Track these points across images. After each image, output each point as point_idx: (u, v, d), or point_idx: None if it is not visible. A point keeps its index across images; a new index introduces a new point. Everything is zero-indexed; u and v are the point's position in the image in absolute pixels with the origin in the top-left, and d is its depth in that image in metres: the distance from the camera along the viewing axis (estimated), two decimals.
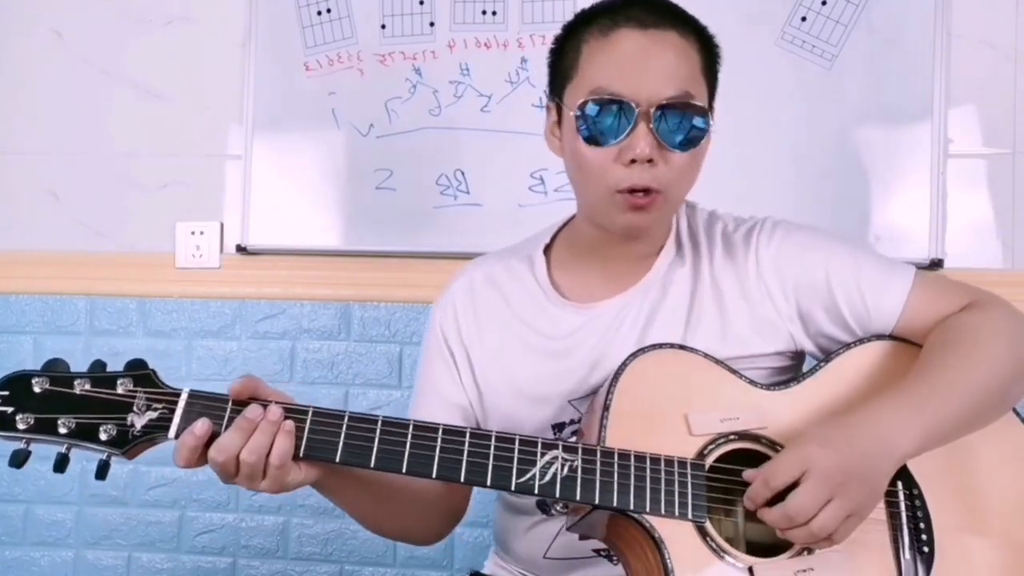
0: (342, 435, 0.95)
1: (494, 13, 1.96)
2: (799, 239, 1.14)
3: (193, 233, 2.04)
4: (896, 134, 1.86)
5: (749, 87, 1.87)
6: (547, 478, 0.95)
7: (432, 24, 1.97)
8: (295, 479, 0.96)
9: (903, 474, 1.00)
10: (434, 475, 0.95)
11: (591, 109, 1.05)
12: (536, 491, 0.96)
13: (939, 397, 0.98)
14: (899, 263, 1.13)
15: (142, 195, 2.07)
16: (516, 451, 0.96)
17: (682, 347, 1.06)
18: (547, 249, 1.23)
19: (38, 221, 2.10)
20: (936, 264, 1.83)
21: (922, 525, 0.99)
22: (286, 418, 0.94)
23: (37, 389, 0.93)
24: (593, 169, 1.07)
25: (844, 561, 0.95)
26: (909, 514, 0.99)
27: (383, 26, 1.98)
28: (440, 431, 0.97)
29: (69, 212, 2.09)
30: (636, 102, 1.03)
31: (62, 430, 0.92)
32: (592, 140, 1.06)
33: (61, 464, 0.93)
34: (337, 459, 0.94)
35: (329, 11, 2.00)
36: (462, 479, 0.95)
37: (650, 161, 1.04)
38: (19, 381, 0.93)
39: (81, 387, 0.93)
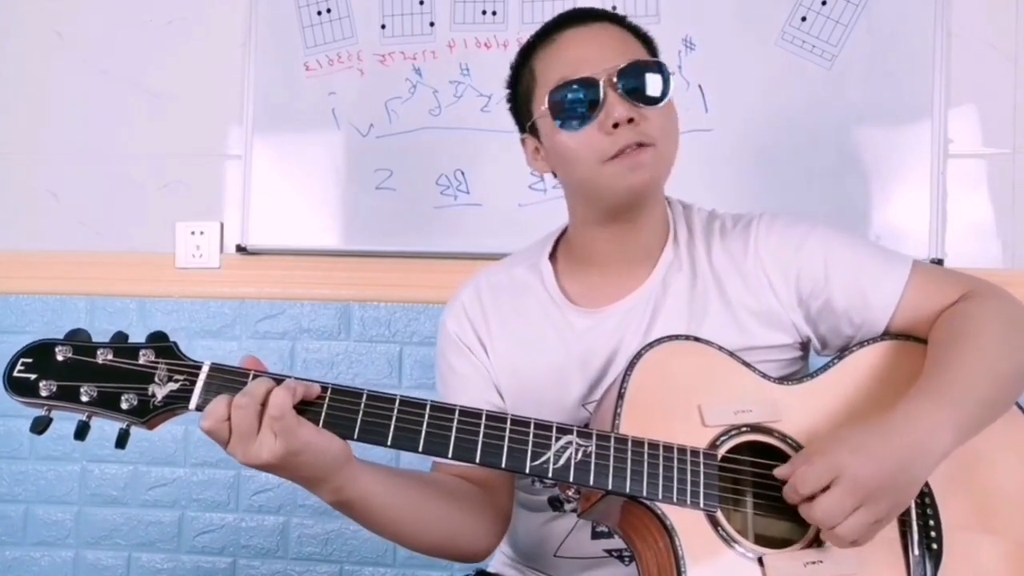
0: (360, 412, 0.95)
1: (494, 13, 1.96)
2: (797, 229, 1.15)
3: (193, 233, 2.04)
4: (896, 134, 1.86)
5: (749, 87, 1.88)
6: (561, 462, 0.95)
7: (432, 24, 1.97)
8: (306, 433, 0.92)
9: None
10: (450, 455, 0.95)
11: (560, 96, 1.10)
12: (550, 475, 0.96)
13: (964, 389, 0.98)
14: (898, 253, 1.14)
15: (142, 195, 2.08)
16: (531, 435, 0.97)
17: (696, 339, 1.06)
18: (550, 258, 1.23)
19: (38, 221, 2.10)
20: (936, 264, 1.82)
21: (931, 523, 0.99)
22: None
23: (60, 357, 0.95)
24: (580, 151, 1.10)
25: (854, 554, 0.95)
26: (919, 511, 0.99)
27: (383, 26, 1.98)
28: (456, 412, 0.97)
29: (69, 212, 2.09)
30: (597, 75, 1.08)
31: (84, 398, 0.93)
32: (570, 125, 1.10)
33: (82, 432, 0.94)
34: (355, 436, 0.95)
35: (329, 11, 2.00)
36: (477, 460, 0.96)
37: (631, 121, 1.07)
38: (42, 349, 0.95)
39: (104, 356, 0.95)
